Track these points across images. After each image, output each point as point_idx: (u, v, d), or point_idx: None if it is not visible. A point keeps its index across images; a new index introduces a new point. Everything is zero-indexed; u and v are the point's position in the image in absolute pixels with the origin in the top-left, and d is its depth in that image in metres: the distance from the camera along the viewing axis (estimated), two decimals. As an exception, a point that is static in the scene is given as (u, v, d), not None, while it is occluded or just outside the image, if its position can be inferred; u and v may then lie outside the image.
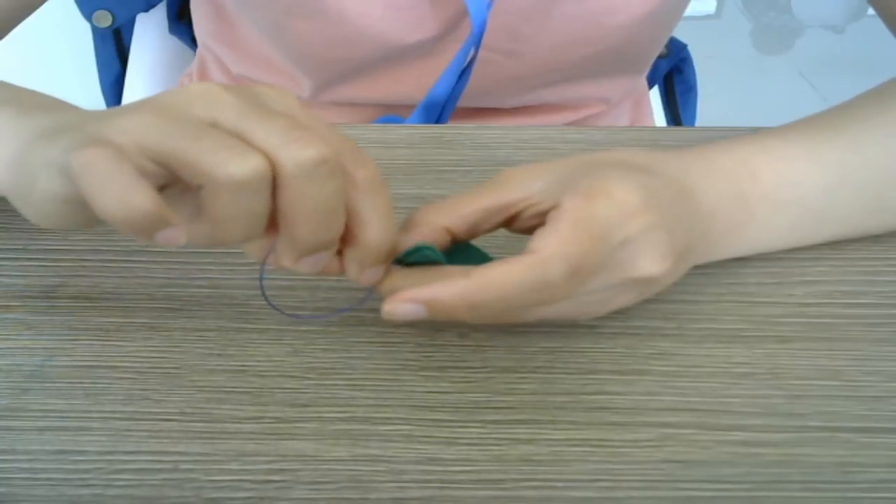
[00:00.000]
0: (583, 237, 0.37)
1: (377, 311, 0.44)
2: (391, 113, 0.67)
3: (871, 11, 0.58)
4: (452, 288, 0.36)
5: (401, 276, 0.39)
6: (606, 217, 0.37)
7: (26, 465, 0.39)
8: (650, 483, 0.39)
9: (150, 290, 0.46)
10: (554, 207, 0.38)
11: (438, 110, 0.63)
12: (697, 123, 0.90)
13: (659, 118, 0.89)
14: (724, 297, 0.46)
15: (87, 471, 0.39)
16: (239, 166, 0.32)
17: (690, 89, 0.88)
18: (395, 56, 0.61)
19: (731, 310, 0.45)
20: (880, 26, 0.58)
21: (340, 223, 0.35)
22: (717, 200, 0.43)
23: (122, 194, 0.32)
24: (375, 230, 0.36)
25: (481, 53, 0.60)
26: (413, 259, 0.39)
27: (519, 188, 0.40)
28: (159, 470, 0.39)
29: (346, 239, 0.37)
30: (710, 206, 0.43)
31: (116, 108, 0.37)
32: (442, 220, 0.40)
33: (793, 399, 0.42)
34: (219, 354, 0.43)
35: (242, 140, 0.33)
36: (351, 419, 0.41)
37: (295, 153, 0.33)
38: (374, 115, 0.68)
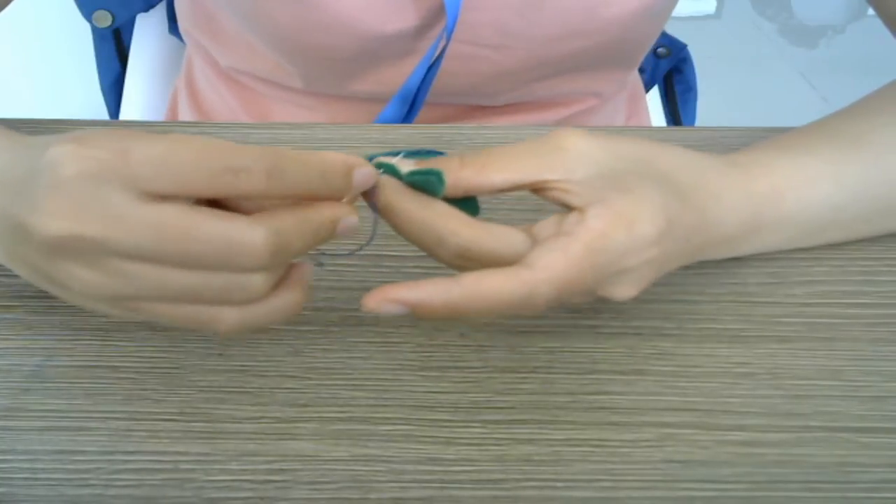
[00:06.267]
0: (587, 270, 0.36)
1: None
2: (379, 106, 0.67)
3: (871, 11, 0.58)
4: (442, 295, 0.35)
5: (400, 197, 0.38)
6: (620, 251, 0.37)
7: (26, 465, 0.39)
8: (650, 483, 0.39)
9: (150, 290, 0.46)
10: (577, 211, 0.38)
11: (412, 98, 0.63)
12: (697, 123, 0.90)
13: (659, 118, 0.89)
14: (725, 297, 0.46)
15: (87, 471, 0.39)
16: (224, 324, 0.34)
17: (690, 89, 0.88)
18: (375, 47, 0.61)
19: (732, 310, 0.45)
20: (880, 26, 0.58)
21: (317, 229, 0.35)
22: (734, 228, 0.43)
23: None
24: (314, 185, 0.35)
25: (471, 49, 0.60)
26: (417, 180, 0.38)
27: (562, 171, 0.39)
28: (159, 470, 0.39)
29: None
30: (726, 233, 0.43)
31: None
32: (473, 180, 0.38)
33: (793, 399, 0.42)
34: (219, 354, 0.43)
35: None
36: (351, 419, 0.41)
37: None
38: (364, 108, 0.67)
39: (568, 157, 0.39)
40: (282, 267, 0.35)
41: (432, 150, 0.40)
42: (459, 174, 0.38)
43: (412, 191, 0.38)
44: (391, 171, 0.38)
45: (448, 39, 0.59)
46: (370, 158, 0.39)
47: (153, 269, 0.32)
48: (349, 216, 0.36)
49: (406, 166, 0.38)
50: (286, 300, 0.35)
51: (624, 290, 0.39)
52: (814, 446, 0.40)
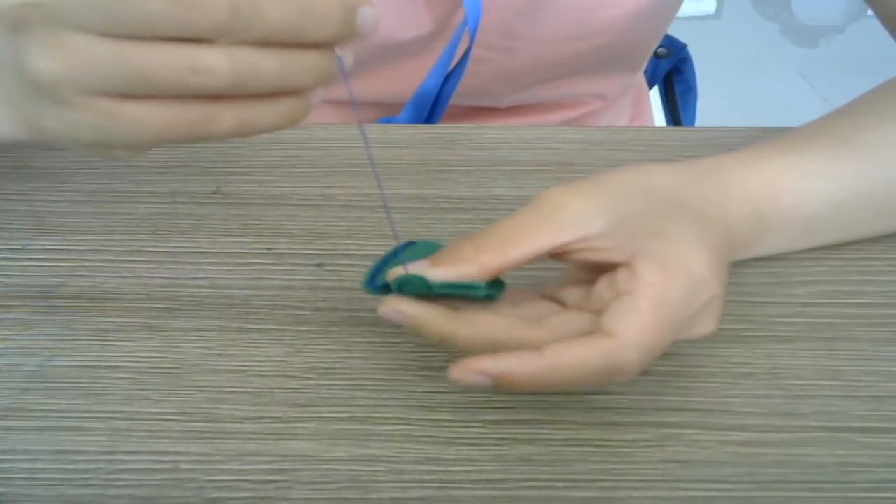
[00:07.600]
0: (662, 324, 0.36)
1: (377, 310, 0.45)
2: (388, 110, 0.67)
3: (871, 11, 0.58)
4: (527, 367, 0.35)
5: (452, 329, 0.38)
6: (684, 297, 0.37)
7: (26, 465, 0.39)
8: (650, 483, 0.39)
9: (150, 290, 0.46)
10: (624, 267, 0.37)
11: (429, 105, 0.63)
12: (697, 123, 0.90)
13: (659, 118, 0.89)
14: (725, 296, 0.46)
15: (87, 471, 0.39)
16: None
17: (690, 89, 0.88)
18: (390, 53, 0.61)
19: (732, 310, 0.45)
20: (881, 26, 0.58)
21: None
22: (742, 231, 0.43)
23: None
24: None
25: (476, 51, 0.60)
26: (456, 294, 0.38)
27: (574, 229, 0.38)
28: (159, 470, 0.39)
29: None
30: (738, 238, 0.43)
31: None
32: (493, 263, 0.38)
33: (793, 399, 0.42)
34: (219, 354, 0.43)
35: None
36: (351, 419, 0.41)
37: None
38: (371, 113, 0.68)
39: (571, 214, 0.39)
40: (251, 37, 0.31)
41: (428, 242, 0.40)
42: (482, 262, 0.38)
43: (456, 316, 0.38)
44: (420, 283, 0.38)
45: (471, 43, 0.59)
46: (376, 274, 0.40)
47: (117, 45, 0.30)
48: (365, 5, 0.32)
49: (424, 272, 0.38)
50: (289, 105, 0.34)
51: (704, 328, 0.39)
52: (814, 446, 0.40)
